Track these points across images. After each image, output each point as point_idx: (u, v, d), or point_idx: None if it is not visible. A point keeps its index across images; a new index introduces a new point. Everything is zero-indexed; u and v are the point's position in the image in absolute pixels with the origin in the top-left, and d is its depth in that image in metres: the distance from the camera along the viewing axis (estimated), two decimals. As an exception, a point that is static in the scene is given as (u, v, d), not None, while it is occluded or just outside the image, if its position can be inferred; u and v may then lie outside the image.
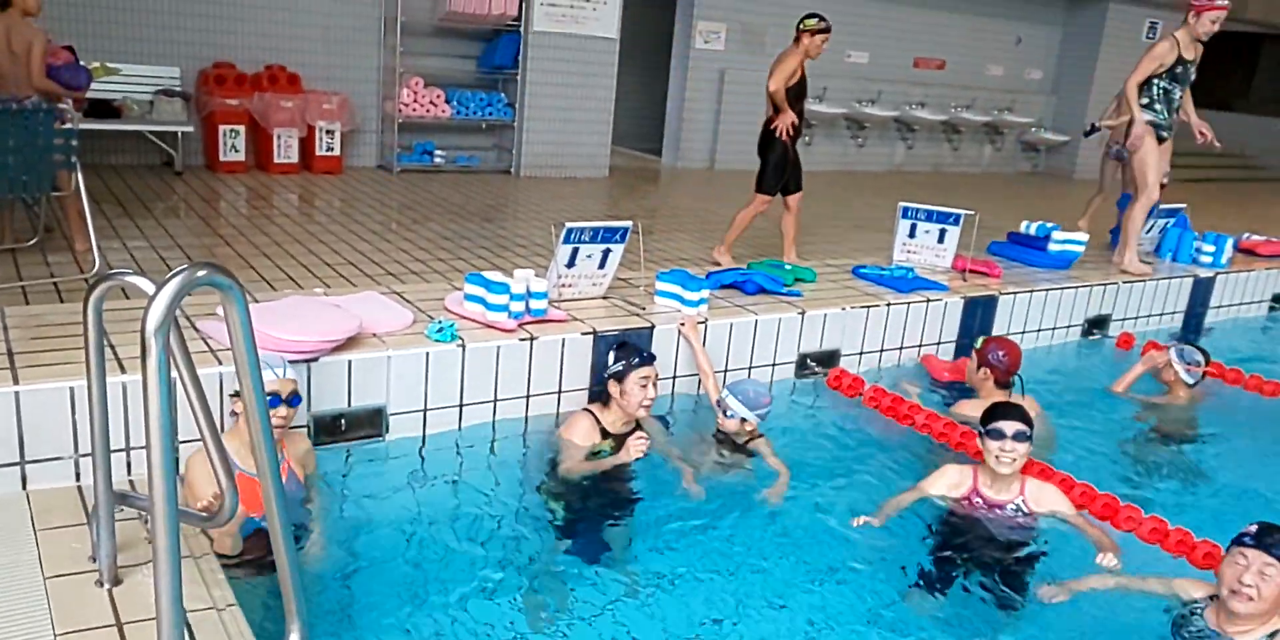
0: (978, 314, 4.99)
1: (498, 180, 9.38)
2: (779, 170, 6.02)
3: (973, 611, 2.98)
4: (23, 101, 4.68)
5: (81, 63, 5.66)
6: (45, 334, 3.17)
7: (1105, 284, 5.61)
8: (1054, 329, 5.43)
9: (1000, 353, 4.14)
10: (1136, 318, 5.81)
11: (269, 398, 2.74)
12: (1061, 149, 14.15)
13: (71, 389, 2.78)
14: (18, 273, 4.82)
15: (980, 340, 4.27)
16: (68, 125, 4.77)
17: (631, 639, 2.68)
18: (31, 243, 5.25)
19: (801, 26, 5.91)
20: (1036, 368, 4.96)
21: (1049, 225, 5.97)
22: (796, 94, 5.95)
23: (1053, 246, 5.83)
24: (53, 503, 2.69)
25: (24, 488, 2.76)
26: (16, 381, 2.76)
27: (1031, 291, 5.21)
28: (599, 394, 3.64)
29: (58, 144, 4.76)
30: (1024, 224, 6.12)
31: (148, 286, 2.03)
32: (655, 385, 3.49)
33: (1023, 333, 5.23)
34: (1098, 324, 5.64)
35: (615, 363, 3.50)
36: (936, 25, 12.93)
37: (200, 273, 1.64)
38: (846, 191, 10.72)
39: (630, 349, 3.55)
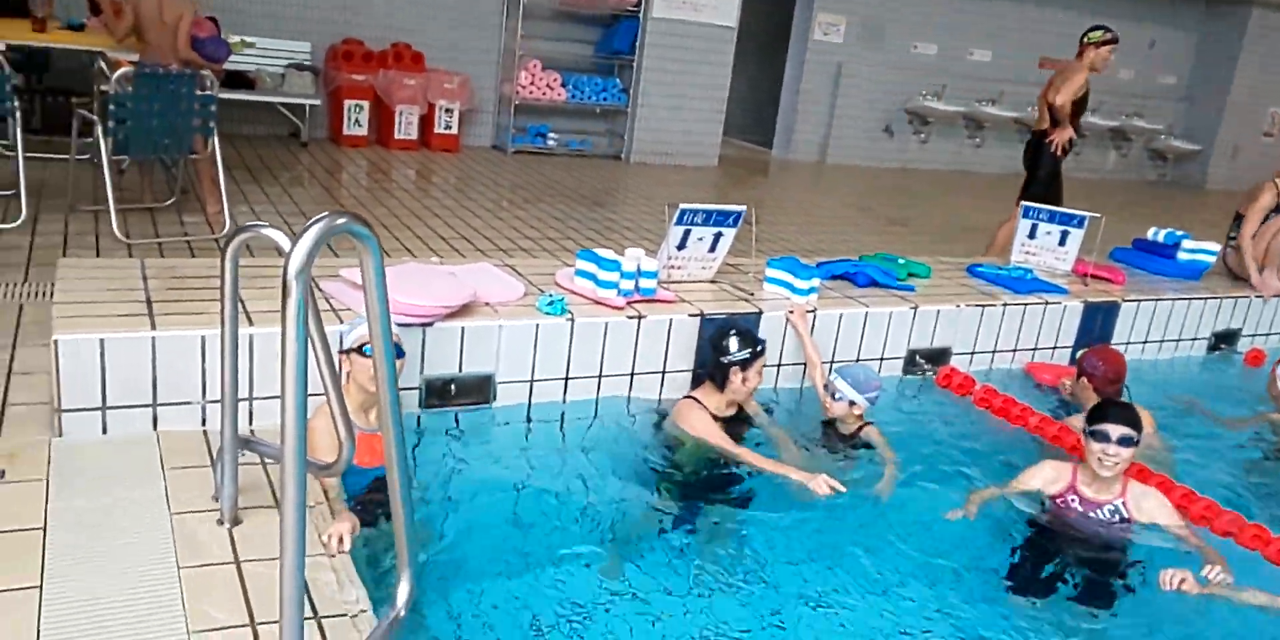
0: (1097, 320, 4.80)
1: (608, 165, 9.44)
2: (1049, 183, 5.96)
3: (1063, 614, 2.88)
4: (169, 67, 4.90)
5: (222, 37, 5.88)
6: (179, 286, 3.31)
7: (1236, 296, 5.32)
8: (1178, 341, 5.18)
9: (1096, 360, 3.98)
10: (1269, 334, 5.50)
11: (366, 347, 2.78)
12: (1193, 158, 13.51)
13: (203, 337, 2.90)
14: (155, 230, 5.07)
15: (1083, 351, 4.13)
16: (208, 92, 4.98)
17: (722, 623, 2.66)
18: (168, 203, 5.51)
19: (1087, 39, 5.88)
20: (1157, 381, 4.77)
21: (1179, 233, 5.70)
22: (1079, 109, 5.90)
23: (1182, 255, 5.56)
24: (180, 444, 2.81)
25: (155, 428, 2.89)
26: (154, 327, 2.89)
27: (1157, 300, 4.99)
28: (708, 377, 3.60)
29: (197, 109, 4.98)
30: (1152, 231, 5.85)
31: (283, 240, 2.10)
32: (760, 373, 3.49)
33: (1144, 343, 5.01)
34: (1226, 338, 5.36)
35: (740, 350, 3.42)
36: (1065, 24, 12.43)
37: (340, 221, 1.68)
38: (961, 192, 10.46)
39: (750, 337, 3.50)
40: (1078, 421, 3.85)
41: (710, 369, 3.53)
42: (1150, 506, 3.21)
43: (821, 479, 3.19)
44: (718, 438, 3.38)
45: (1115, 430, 3.11)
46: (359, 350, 2.79)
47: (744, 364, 3.42)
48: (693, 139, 10.00)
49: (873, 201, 8.98)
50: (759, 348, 3.45)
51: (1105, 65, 5.89)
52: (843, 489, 3.19)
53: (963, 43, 11.90)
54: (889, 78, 11.41)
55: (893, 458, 3.49)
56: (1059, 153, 5.96)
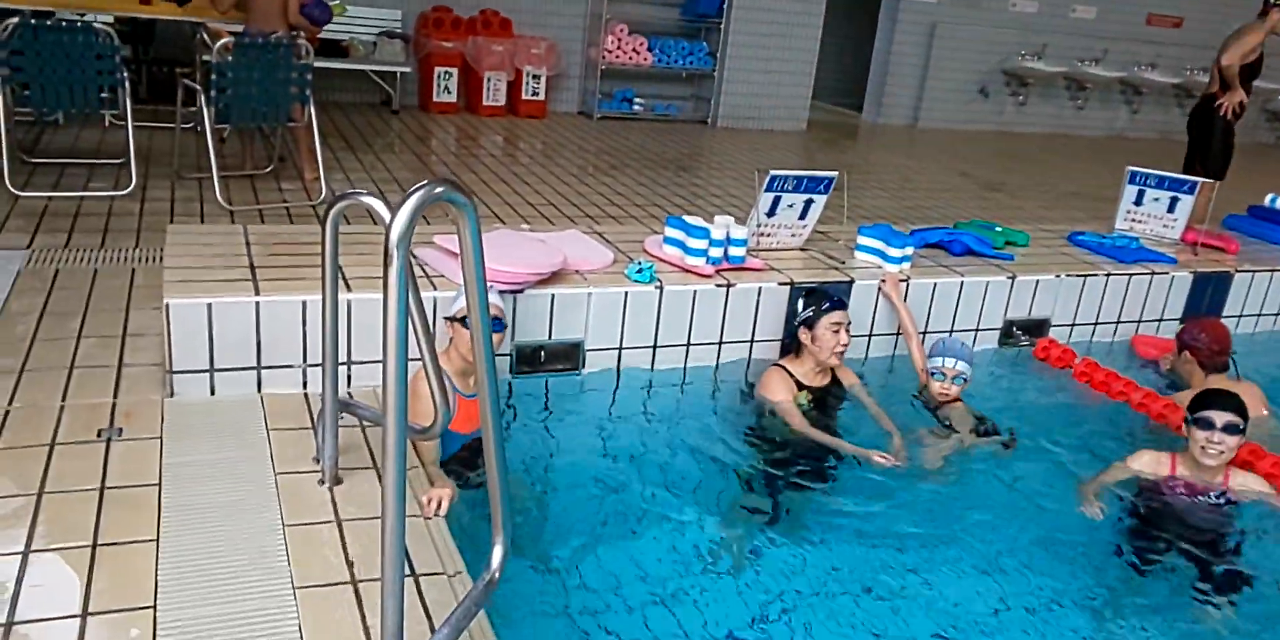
0: (1208, 291, 4.58)
1: (694, 130, 9.35)
2: (1224, 152, 5.78)
3: (1168, 598, 2.80)
4: (267, 36, 5.00)
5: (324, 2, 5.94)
6: (280, 252, 3.40)
7: (1361, 267, 5.02)
8: (1295, 314, 4.93)
9: (1197, 331, 3.82)
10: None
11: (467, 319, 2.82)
12: (1312, 119, 12.75)
13: (304, 303, 2.98)
14: (255, 196, 5.21)
15: (1183, 325, 3.97)
16: (304, 60, 5.07)
17: (806, 593, 2.64)
18: (268, 170, 5.65)
19: (1274, 0, 5.60)
20: (1271, 356, 4.55)
21: (1296, 199, 5.40)
22: (1252, 73, 5.68)
23: (1301, 223, 5.27)
24: (283, 406, 2.91)
25: (259, 391, 2.99)
26: (258, 292, 2.98)
27: (1273, 271, 4.74)
28: (789, 347, 3.58)
29: (294, 78, 5.07)
30: (1269, 197, 5.55)
31: (381, 207, 2.13)
32: (848, 331, 3.38)
33: (1259, 316, 4.78)
34: (1348, 311, 5.08)
35: (805, 309, 3.42)
36: (1179, -23, 11.82)
37: (439, 189, 1.69)
38: (1062, 156, 10.07)
39: (820, 294, 3.47)
40: (1184, 398, 3.71)
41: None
42: (1252, 488, 3.10)
43: (879, 454, 3.15)
44: (784, 409, 3.35)
45: (1220, 417, 2.99)
46: (463, 320, 2.83)
47: (809, 322, 3.37)
48: (781, 103, 9.83)
49: (969, 166, 8.72)
50: (824, 305, 3.36)
51: None
52: (901, 463, 3.13)
53: (1066, -1, 11.38)
54: (986, 37, 11.00)
55: (962, 436, 3.41)
56: (1229, 116, 5.70)
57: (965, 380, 3.48)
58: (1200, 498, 3.10)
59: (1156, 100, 12.12)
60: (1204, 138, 5.93)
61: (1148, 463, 3.23)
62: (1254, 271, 4.68)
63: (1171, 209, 4.95)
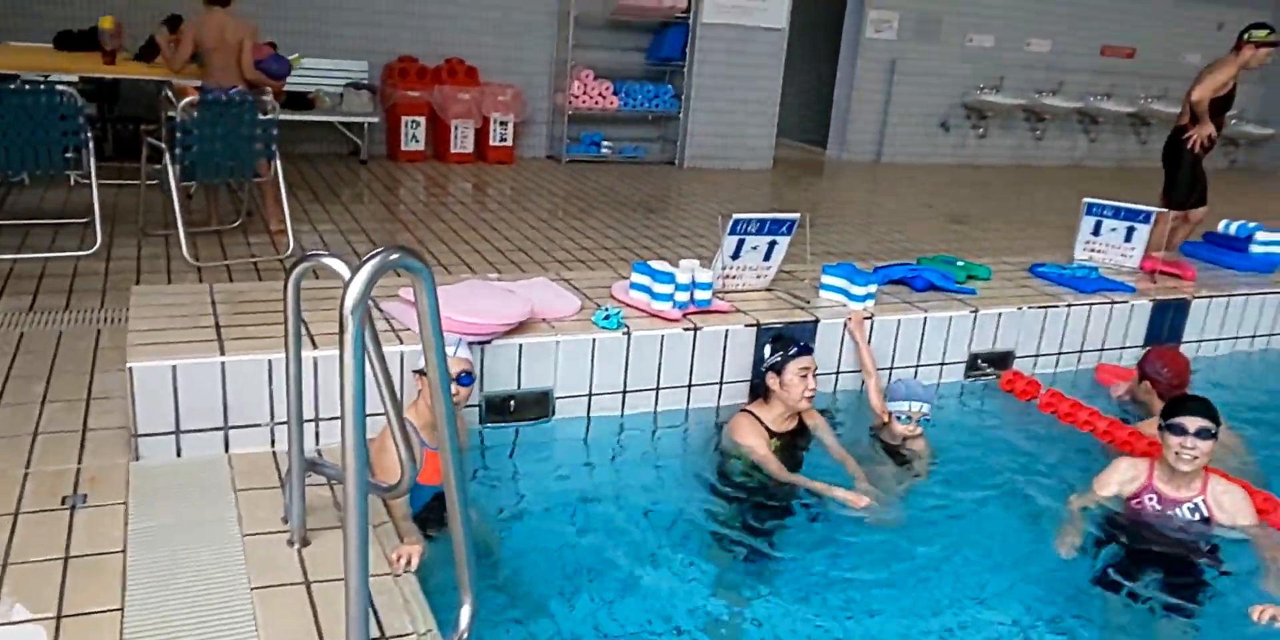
0: (1167, 318, 4.67)
1: (662, 171, 9.46)
2: (1191, 183, 5.88)
3: (1146, 623, 2.82)
4: (230, 92, 5.04)
5: (281, 54, 6.02)
6: (246, 310, 3.41)
7: (1316, 290, 5.14)
8: (1254, 337, 5.02)
9: (1159, 364, 3.88)
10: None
11: (463, 376, 2.85)
12: (1265, 143, 13.07)
13: (269, 361, 2.98)
14: (223, 252, 5.22)
15: (1145, 352, 4.03)
16: (269, 115, 5.12)
17: (776, 635, 2.65)
18: (235, 225, 5.66)
19: (1246, 37, 5.77)
20: (1229, 379, 4.63)
21: (1251, 225, 5.53)
22: (1222, 107, 5.81)
23: (1255, 248, 5.38)
24: (251, 466, 2.90)
25: (226, 451, 2.98)
26: (223, 352, 2.99)
27: (1230, 296, 4.84)
28: (758, 388, 3.62)
29: (259, 133, 5.12)
30: (1223, 223, 5.68)
31: (342, 268, 2.16)
32: (814, 376, 3.43)
33: (1218, 340, 4.87)
34: (1305, 333, 5.18)
35: (772, 354, 3.47)
36: (1127, 10, 12.15)
37: (394, 256, 1.72)
38: (1023, 186, 10.26)
39: (786, 340, 3.52)
40: (1147, 427, 3.77)
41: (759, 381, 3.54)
42: (1231, 504, 3.13)
43: (852, 494, 3.16)
44: (759, 455, 3.37)
45: (1193, 422, 3.04)
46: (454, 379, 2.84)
47: (777, 368, 3.40)
48: (746, 142, 9.97)
49: (932, 199, 8.86)
50: (791, 351, 3.40)
51: (1260, 65, 5.77)
52: (863, 502, 3.15)
53: (1020, 33, 11.67)
54: (944, 72, 11.24)
55: (924, 469, 3.46)
56: (1197, 150, 5.83)
57: (928, 418, 3.53)
58: (1175, 511, 3.13)
59: (1113, 129, 12.40)
60: (1173, 169, 6.07)
61: (1126, 471, 3.26)
62: (1211, 297, 4.78)
63: (1129, 239, 5.05)
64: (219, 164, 5.09)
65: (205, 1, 5.48)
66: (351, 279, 1.59)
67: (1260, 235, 5.41)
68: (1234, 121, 12.89)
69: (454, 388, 2.93)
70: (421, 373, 2.92)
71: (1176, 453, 3.06)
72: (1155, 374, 3.88)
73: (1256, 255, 5.36)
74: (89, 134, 4.87)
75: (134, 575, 2.31)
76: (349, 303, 1.58)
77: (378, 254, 1.64)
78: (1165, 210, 5.35)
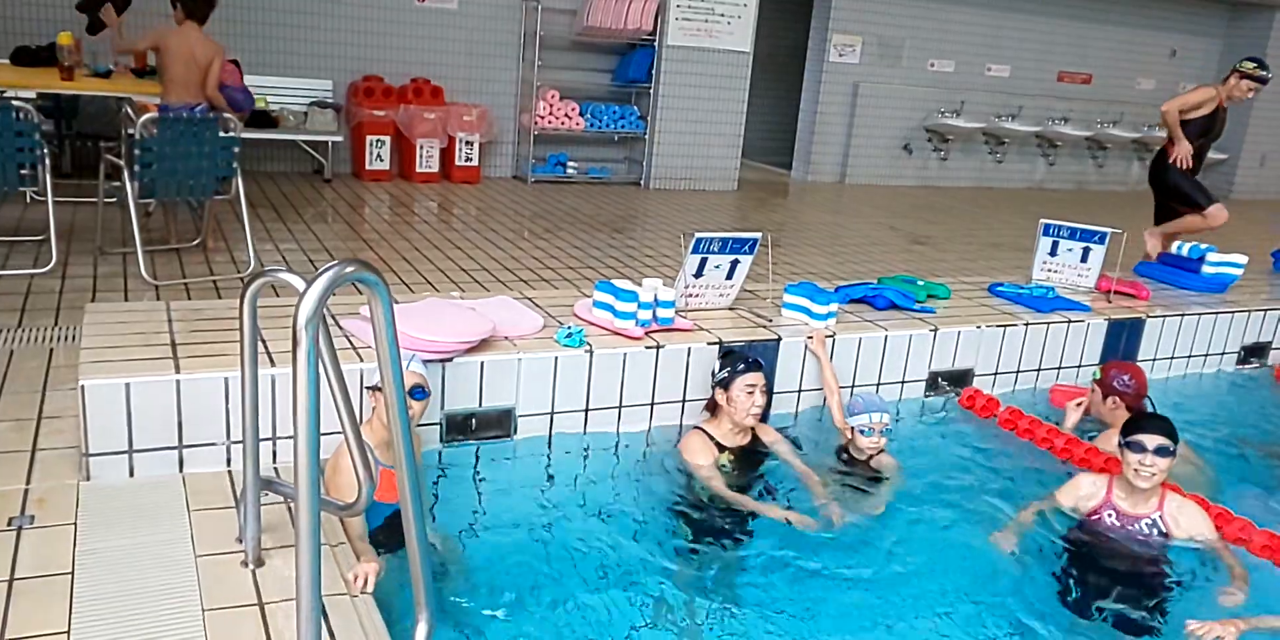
0: (1123, 337, 4.75)
1: (628, 192, 9.50)
2: (1196, 184, 6.03)
3: (1103, 636, 2.84)
4: (192, 110, 5.00)
5: (245, 84, 5.94)
6: (203, 328, 3.37)
7: (1266, 309, 5.26)
8: (1206, 356, 5.12)
9: (1125, 377, 3.94)
10: (1301, 346, 5.42)
11: (415, 390, 2.83)
12: (1217, 168, 13.36)
13: (226, 379, 2.95)
14: (182, 270, 5.15)
15: (1098, 370, 4.09)
16: (231, 133, 5.08)
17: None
18: (194, 243, 5.60)
19: (1238, 66, 5.94)
20: (1183, 397, 4.71)
21: (1203, 246, 5.65)
22: (1202, 129, 5.99)
23: (1207, 269, 5.50)
24: (205, 485, 2.85)
25: (180, 470, 2.93)
26: (178, 370, 2.94)
27: (1183, 315, 4.93)
28: (708, 403, 3.63)
29: (221, 151, 5.07)
30: (1175, 244, 5.81)
31: (299, 284, 2.14)
32: (764, 392, 3.44)
33: (1171, 359, 4.96)
34: (1255, 352, 5.29)
35: (721, 369, 3.49)
36: (1082, 37, 12.43)
37: (349, 269, 1.71)
38: (983, 208, 10.41)
39: (735, 356, 3.54)
40: (1105, 441, 3.82)
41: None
42: (1188, 520, 3.18)
43: (796, 516, 3.16)
44: (703, 475, 3.37)
45: (1152, 440, 3.09)
46: (408, 393, 2.82)
47: (724, 383, 3.42)
48: (712, 164, 10.05)
49: (895, 220, 8.97)
50: (739, 367, 3.42)
51: (1242, 98, 5.97)
52: (813, 525, 3.16)
53: (979, 58, 11.89)
54: (906, 96, 11.42)
55: (892, 486, 3.47)
56: (1182, 167, 5.99)
57: (890, 429, 3.55)
58: (1134, 527, 3.17)
59: (1071, 152, 12.64)
60: (1164, 187, 6.21)
61: (1085, 486, 3.31)
62: (1165, 316, 4.86)
63: (1085, 259, 5.14)
64: (179, 182, 5.03)
65: (183, 16, 5.41)
66: (305, 292, 1.58)
67: (1211, 257, 5.53)
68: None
69: (408, 402, 2.90)
70: (375, 388, 2.89)
71: (1135, 470, 3.11)
72: (1122, 387, 3.92)
73: (1208, 275, 5.48)
74: (45, 151, 4.80)
75: (81, 598, 2.26)
76: (303, 316, 1.56)
77: (332, 267, 1.63)
78: (1120, 231, 5.45)
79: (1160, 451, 3.08)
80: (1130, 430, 3.16)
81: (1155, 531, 3.17)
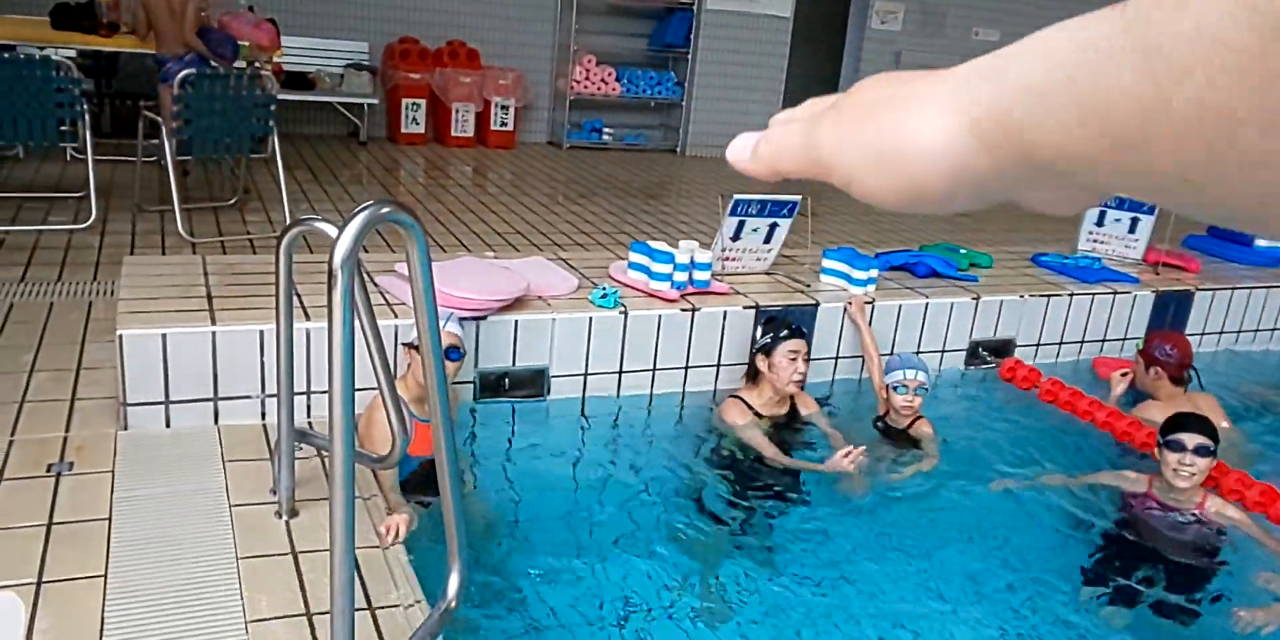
0: (1170, 310, 4.63)
1: (663, 159, 9.40)
2: None
3: (1142, 620, 2.78)
4: (182, 60, 4.96)
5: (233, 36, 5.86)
6: (239, 281, 3.37)
7: (1319, 285, 5.11)
8: (1256, 332, 4.98)
9: (1168, 346, 3.83)
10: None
11: (451, 351, 2.81)
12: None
13: (261, 332, 2.94)
14: (219, 229, 5.17)
15: (1143, 340, 3.98)
16: (268, 92, 5.06)
17: (774, 620, 2.62)
18: (232, 202, 5.61)
19: None
20: (1231, 372, 4.60)
21: (1257, 219, 5.49)
22: None
23: (1259, 242, 5.34)
24: (240, 437, 2.86)
25: (216, 422, 2.94)
26: (214, 322, 2.94)
27: (1233, 289, 4.80)
28: (748, 370, 3.57)
29: (258, 110, 5.06)
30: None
31: (334, 231, 2.11)
32: (805, 360, 3.37)
33: (1220, 333, 4.83)
34: (1308, 328, 5.15)
35: (763, 336, 3.42)
36: None
37: (384, 209, 1.68)
38: (1025, 181, 10.21)
39: (778, 322, 3.46)
40: (1146, 411, 3.74)
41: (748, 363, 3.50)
42: (1229, 516, 3.11)
43: (839, 456, 3.09)
44: (748, 436, 3.33)
45: (1191, 439, 3.02)
46: (418, 347, 2.79)
47: (766, 349, 3.36)
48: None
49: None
50: (781, 333, 3.35)
51: None
52: (863, 460, 3.11)
53: (1026, 27, 11.26)
54: (949, 64, 10.85)
55: (932, 455, 3.41)
56: None
57: (926, 389, 3.47)
58: (1173, 515, 3.11)
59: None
60: None
61: (1127, 479, 3.29)
62: (1214, 290, 4.74)
63: (1133, 229, 5.01)
64: (215, 140, 5.03)
65: None
66: (342, 230, 1.55)
67: (1265, 229, 5.38)
68: None
69: (446, 363, 2.89)
70: (410, 345, 2.87)
71: (1175, 469, 3.05)
72: (1164, 356, 3.83)
73: (1260, 249, 5.32)
74: (85, 107, 4.81)
75: (118, 544, 2.27)
76: (338, 256, 1.53)
77: (368, 207, 1.59)
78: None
79: (1200, 450, 3.01)
80: (1170, 429, 3.09)
81: (1196, 521, 3.10)
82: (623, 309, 3.51)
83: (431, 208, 6.15)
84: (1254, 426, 3.99)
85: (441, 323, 2.85)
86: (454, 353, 2.90)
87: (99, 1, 5.65)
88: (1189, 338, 4.43)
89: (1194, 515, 3.10)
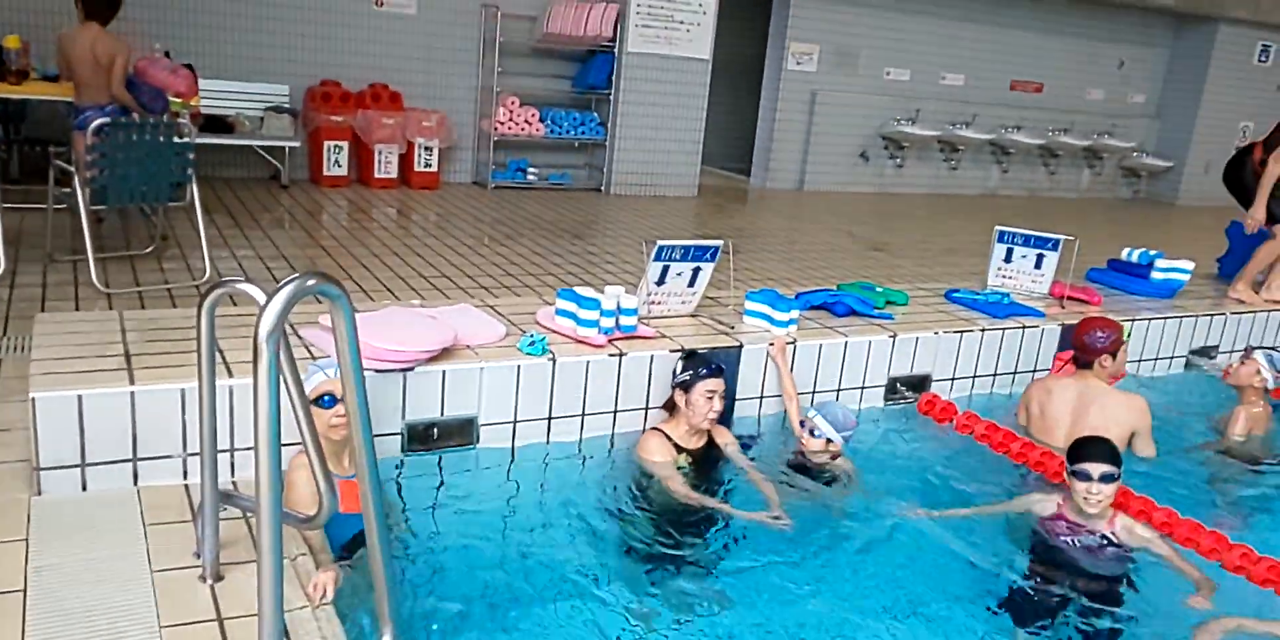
0: (1076, 342, 4.83)
1: (588, 198, 9.50)
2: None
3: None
4: (103, 110, 4.90)
5: (166, 93, 5.80)
6: (159, 337, 3.31)
7: (1212, 314, 5.40)
8: (1155, 360, 5.23)
9: (1095, 332, 4.04)
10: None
11: (325, 397, 2.75)
12: (1164, 175, 13.68)
13: (183, 390, 2.90)
14: (135, 278, 5.06)
15: (1074, 331, 4.20)
16: (185, 139, 5.01)
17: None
18: (148, 250, 5.51)
19: None
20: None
21: (1152, 252, 5.78)
22: None
23: (1156, 274, 5.63)
24: (161, 500, 2.80)
25: (135, 484, 2.88)
26: (132, 382, 2.89)
27: (1133, 320, 5.04)
28: (666, 403, 3.65)
29: (176, 157, 5.00)
30: (1125, 251, 5.93)
31: (258, 294, 2.11)
32: (721, 398, 3.47)
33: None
34: (1203, 355, 5.42)
35: (683, 372, 3.51)
36: (1035, 47, 12.66)
37: (310, 282, 1.70)
38: (939, 215, 10.55)
39: (699, 359, 3.56)
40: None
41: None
42: (1138, 535, 3.26)
43: (760, 515, 3.20)
44: (663, 471, 3.40)
45: (1096, 469, 3.18)
46: (315, 401, 2.76)
47: (685, 386, 3.45)
48: (671, 170, 10.08)
49: (853, 227, 9.06)
50: (701, 371, 3.45)
51: None
52: (786, 525, 3.20)
53: (934, 67, 12.06)
54: (863, 104, 11.55)
55: (852, 489, 3.52)
56: (1248, 233, 5.99)
57: (844, 441, 3.60)
58: (1085, 537, 3.24)
59: (1023, 160, 12.85)
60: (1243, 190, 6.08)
61: (1036, 501, 3.42)
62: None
63: (1038, 265, 5.23)
64: (131, 188, 4.95)
65: (83, 16, 5.31)
66: (266, 305, 1.56)
67: (1160, 262, 5.66)
68: (1134, 155, 13.51)
69: (340, 409, 2.77)
70: (316, 401, 2.81)
71: (1084, 497, 3.19)
72: (1097, 343, 4.01)
73: (1157, 281, 5.60)
74: (-8, 156, 4.70)
75: (35, 616, 2.21)
76: (264, 329, 1.55)
77: (294, 280, 1.61)
78: (1072, 238, 5.52)
79: (1105, 478, 3.17)
80: (1074, 458, 3.24)
81: (1107, 543, 3.24)
82: (551, 356, 3.55)
83: (356, 252, 6.12)
84: (1165, 448, 4.17)
85: (331, 370, 2.79)
86: (328, 400, 2.78)
87: (7, 48, 5.53)
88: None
89: (1104, 535, 3.24)
